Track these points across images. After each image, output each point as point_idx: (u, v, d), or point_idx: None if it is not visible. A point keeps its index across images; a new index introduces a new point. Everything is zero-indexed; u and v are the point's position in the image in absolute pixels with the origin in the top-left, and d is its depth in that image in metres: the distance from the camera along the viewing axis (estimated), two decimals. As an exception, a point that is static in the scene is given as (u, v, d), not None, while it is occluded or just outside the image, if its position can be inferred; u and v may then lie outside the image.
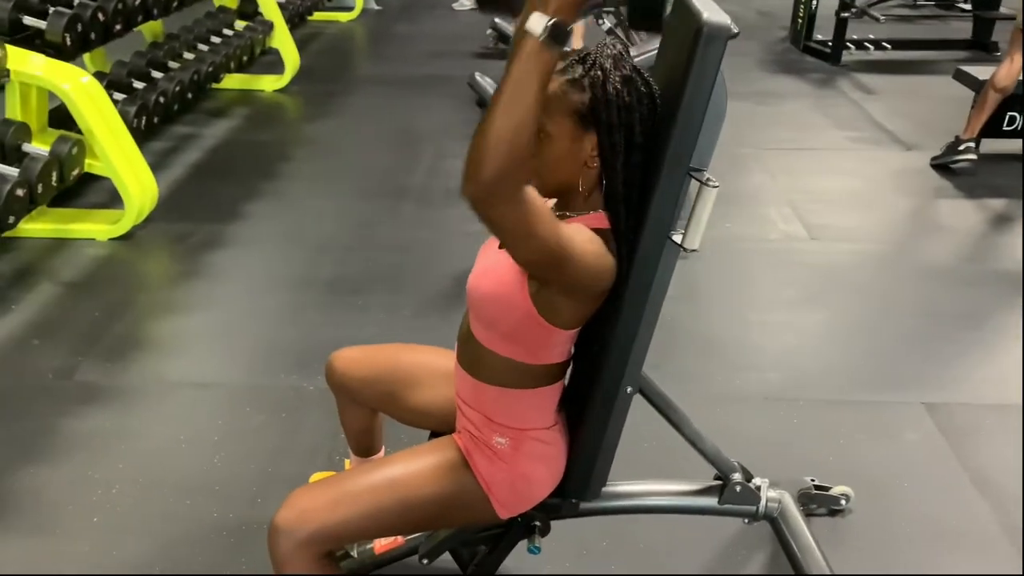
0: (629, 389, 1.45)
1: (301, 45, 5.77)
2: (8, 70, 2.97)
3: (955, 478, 2.16)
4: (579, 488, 1.52)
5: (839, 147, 4.44)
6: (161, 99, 3.69)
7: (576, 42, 5.07)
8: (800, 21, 6.15)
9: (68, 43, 3.29)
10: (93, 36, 3.46)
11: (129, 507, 2.02)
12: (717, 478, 1.68)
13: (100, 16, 3.48)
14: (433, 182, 3.88)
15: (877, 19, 5.68)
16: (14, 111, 3.15)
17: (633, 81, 1.24)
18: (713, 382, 2.54)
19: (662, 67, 1.35)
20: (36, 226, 3.30)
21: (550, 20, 1.06)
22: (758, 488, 1.65)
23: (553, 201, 1.36)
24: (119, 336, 2.71)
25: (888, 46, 5.82)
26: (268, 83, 5.17)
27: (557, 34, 1.06)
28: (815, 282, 3.12)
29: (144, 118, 3.53)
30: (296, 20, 5.63)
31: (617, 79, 1.23)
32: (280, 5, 5.32)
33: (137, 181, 3.28)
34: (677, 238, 1.30)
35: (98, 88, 3.20)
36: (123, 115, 3.34)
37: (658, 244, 1.27)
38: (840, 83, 5.51)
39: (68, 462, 2.16)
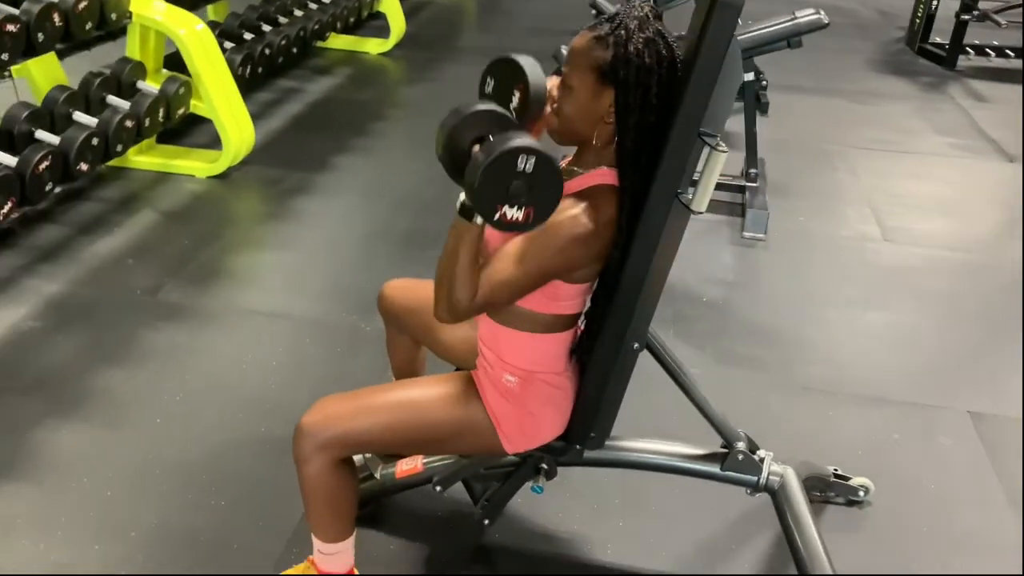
0: (636, 346, 1.52)
1: (410, 13, 5.94)
2: (130, 12, 3.23)
3: (987, 488, 2.13)
4: (582, 436, 1.60)
5: (935, 152, 4.29)
6: (267, 51, 3.91)
7: None
8: (918, 22, 5.91)
9: (187, -9, 3.54)
10: (210, -13, 3.71)
11: (188, 415, 2.22)
12: (723, 447, 1.73)
13: (219, -31, 3.72)
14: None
15: (999, 23, 5.41)
16: (133, 51, 3.42)
17: (655, 43, 1.30)
18: (755, 367, 2.55)
19: (688, 34, 1.40)
20: (145, 159, 3.58)
21: (460, 200, 1.30)
22: (761, 460, 1.69)
23: (566, 160, 1.45)
24: (203, 264, 2.93)
25: (1012, 54, 5.54)
26: (373, 46, 5.38)
27: (465, 212, 1.30)
28: (880, 283, 3.07)
29: (249, 67, 3.76)
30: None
31: (640, 40, 1.29)
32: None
33: (236, 125, 3.50)
34: (686, 201, 1.35)
35: (209, 36, 3.44)
36: (229, 63, 3.57)
37: (663, 203, 1.33)
38: (951, 88, 5.29)
39: (142, 369, 2.38)
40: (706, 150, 1.32)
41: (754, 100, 3.32)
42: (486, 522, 1.80)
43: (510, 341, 1.49)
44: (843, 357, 2.63)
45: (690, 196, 1.37)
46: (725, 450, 1.71)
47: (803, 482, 1.92)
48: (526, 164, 1.23)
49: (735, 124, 3.54)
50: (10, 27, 2.59)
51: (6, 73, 3.23)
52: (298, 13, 4.44)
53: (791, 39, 3.20)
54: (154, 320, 2.61)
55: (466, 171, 1.28)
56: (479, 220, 1.29)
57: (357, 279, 2.90)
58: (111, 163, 3.52)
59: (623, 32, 1.31)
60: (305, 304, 2.76)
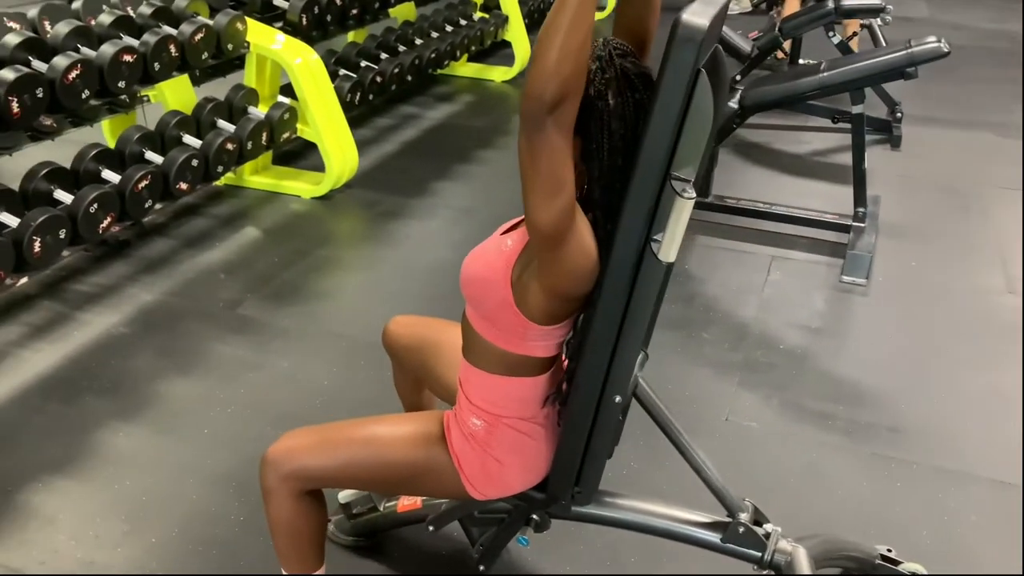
0: (617, 399, 1.42)
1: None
2: (247, 43, 3.45)
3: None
4: (564, 489, 1.51)
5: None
6: (378, 79, 4.06)
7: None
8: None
9: (304, 23, 3.74)
10: (329, 19, 3.90)
11: (232, 427, 2.31)
12: (729, 515, 1.58)
13: (337, 2, 3.91)
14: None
15: None
16: (250, 78, 3.64)
17: (618, 82, 1.21)
18: (823, 425, 2.34)
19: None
20: (258, 179, 3.80)
21: None
22: (766, 536, 1.53)
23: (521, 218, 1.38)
24: (285, 281, 3.06)
25: None
26: (498, 74, 5.45)
27: None
28: (995, 342, 2.73)
29: (358, 94, 3.91)
30: (535, 16, 5.84)
31: (601, 81, 1.21)
32: (520, 0, 5.57)
33: (339, 149, 3.65)
34: (656, 248, 1.25)
35: (320, 66, 3.61)
36: (338, 90, 3.74)
37: (629, 252, 1.23)
38: None
39: (203, 380, 2.51)
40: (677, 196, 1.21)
41: (861, 132, 3.06)
42: (481, 568, 1.75)
43: (478, 382, 1.43)
44: (932, 423, 2.35)
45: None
46: (729, 520, 1.56)
47: (838, 561, 1.73)
48: None
49: (847, 158, 3.29)
50: (127, 57, 2.83)
51: (144, 98, 3.54)
52: (419, 42, 4.57)
53: (905, 70, 2.94)
54: (227, 333, 2.75)
55: None
56: None
57: (424, 306, 2.92)
58: (229, 181, 3.78)
59: (596, 72, 1.23)
60: (369, 325, 2.78)
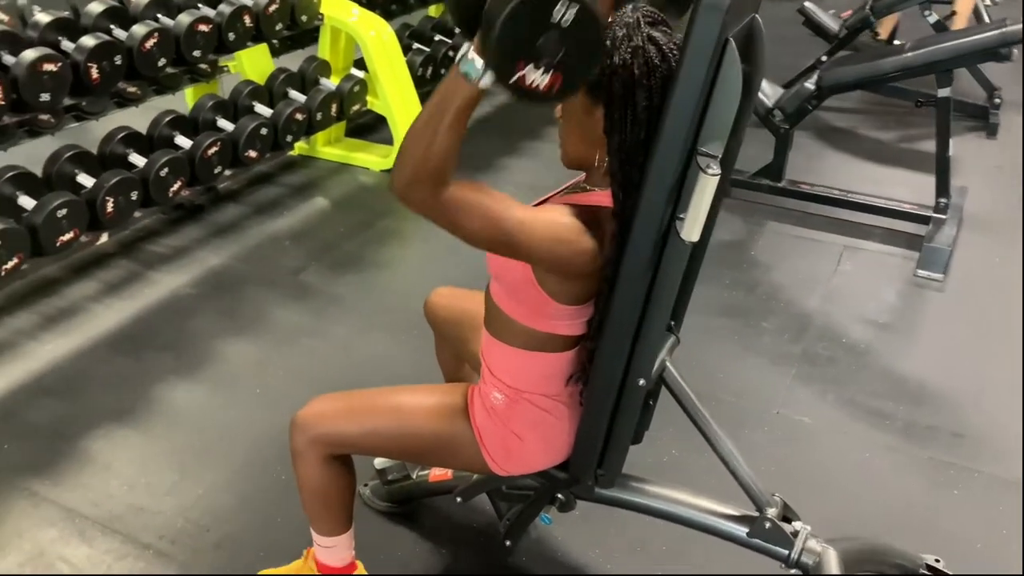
0: (641, 382, 1.39)
1: None
2: (322, 14, 3.50)
3: None
4: (587, 470, 1.49)
5: None
6: (451, 53, 4.06)
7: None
8: None
9: (379, -4, 3.78)
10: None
11: (286, 390, 2.36)
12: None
13: (413, -26, 3.93)
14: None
15: None
16: (324, 50, 3.70)
17: (644, 52, 1.17)
18: (879, 424, 2.24)
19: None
20: (331, 150, 3.86)
21: (485, 71, 1.04)
22: (794, 533, 1.47)
23: (581, 177, 1.35)
24: (347, 251, 3.12)
25: None
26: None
27: (469, 67, 1.06)
28: (1080, 346, 2.56)
29: (430, 68, 3.93)
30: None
31: (627, 50, 1.17)
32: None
33: (408, 119, 3.67)
34: (679, 227, 1.21)
35: (392, 39, 3.63)
36: (410, 64, 3.75)
37: (650, 230, 1.20)
38: None
39: (260, 342, 2.58)
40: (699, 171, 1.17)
41: (946, 118, 2.89)
42: (507, 543, 1.75)
43: (500, 356, 1.43)
44: (998, 431, 2.23)
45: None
46: (757, 514, 1.51)
47: (878, 567, 1.66)
48: (565, 13, 0.99)
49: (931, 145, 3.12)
50: (202, 27, 2.91)
51: (224, 68, 3.64)
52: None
53: (999, 50, 2.75)
54: (287, 299, 2.82)
55: (485, 11, 1.03)
56: (486, 80, 1.05)
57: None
58: (302, 152, 3.86)
59: (608, 42, 1.19)
60: (424, 297, 2.82)
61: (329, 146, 3.87)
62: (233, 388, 2.39)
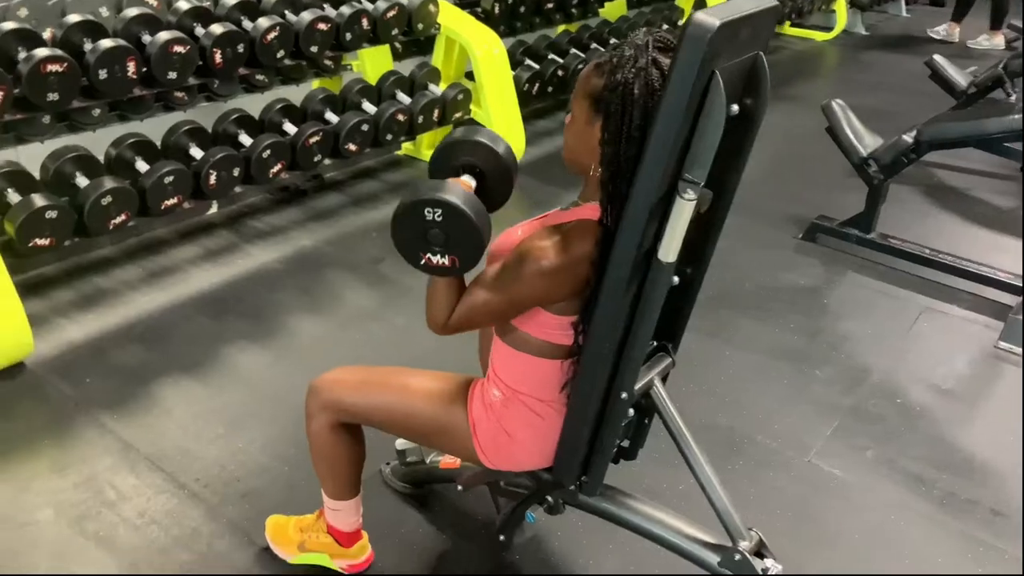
0: (624, 395, 1.44)
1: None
2: (438, 24, 3.69)
3: None
4: (570, 476, 1.55)
5: None
6: (559, 73, 4.17)
7: None
8: None
9: (497, 12, 3.94)
10: (523, 10, 4.07)
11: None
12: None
13: (533, -7, 4.07)
14: (791, 208, 3.76)
15: None
16: (437, 58, 3.89)
17: (647, 73, 1.23)
18: (917, 490, 2.16)
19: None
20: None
21: None
22: (764, 571, 1.47)
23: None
24: (426, 249, 3.27)
25: None
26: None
27: None
28: None
29: (536, 85, 4.05)
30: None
31: (631, 69, 1.24)
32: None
33: (507, 136, 3.80)
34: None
35: (503, 54, 3.78)
36: (516, 79, 3.89)
37: (631, 244, 1.24)
38: None
39: (329, 321, 2.76)
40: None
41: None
42: (501, 537, 1.83)
43: (503, 356, 1.51)
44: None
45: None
46: (730, 545, 1.52)
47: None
48: (434, 215, 1.29)
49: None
50: (321, 25, 3.15)
51: (347, 65, 3.90)
52: (613, 41, 4.63)
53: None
54: (362, 284, 2.99)
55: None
56: None
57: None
58: (408, 152, 4.06)
59: (616, 60, 1.26)
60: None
61: (432, 149, 4.05)
62: (293, 358, 2.57)
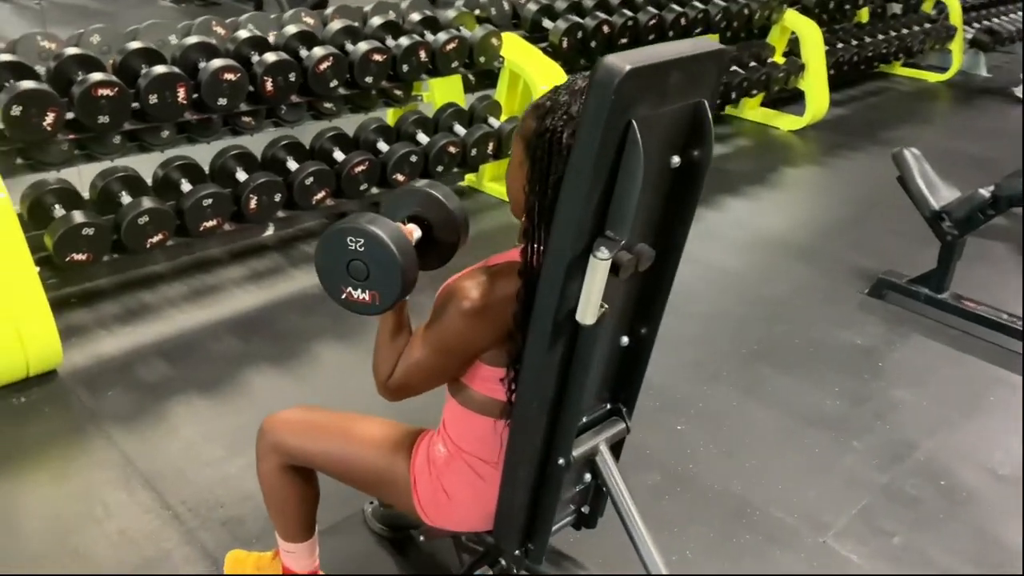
0: (560, 462, 1.33)
1: (863, 95, 5.61)
2: (503, 57, 3.68)
3: None
4: (507, 539, 1.45)
5: None
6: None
7: None
8: None
9: (565, 46, 3.89)
10: (594, 45, 4.00)
11: (360, 398, 2.46)
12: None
13: (605, 29, 3.99)
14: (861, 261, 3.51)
15: None
16: (501, 92, 3.87)
17: (577, 122, 1.13)
18: None
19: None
20: (497, 187, 4.02)
21: None
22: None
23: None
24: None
25: None
26: (785, 122, 5.16)
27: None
28: None
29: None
30: (844, 67, 5.44)
31: (561, 116, 1.15)
32: (829, 51, 5.20)
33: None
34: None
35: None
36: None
37: (547, 301, 1.15)
38: None
39: (355, 350, 2.75)
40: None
41: None
42: (461, 594, 1.74)
43: (451, 412, 1.44)
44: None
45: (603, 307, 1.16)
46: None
47: None
48: (356, 244, 1.26)
49: None
50: (377, 56, 3.18)
51: (418, 97, 3.93)
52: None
53: None
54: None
55: None
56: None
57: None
58: (471, 183, 4.04)
59: (550, 104, 1.18)
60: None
61: (495, 181, 4.03)
62: (311, 384, 2.57)
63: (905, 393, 2.62)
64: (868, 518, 2.12)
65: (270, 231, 3.51)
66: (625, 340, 1.32)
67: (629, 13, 4.12)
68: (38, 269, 2.42)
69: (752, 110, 5.29)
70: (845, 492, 2.21)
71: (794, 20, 5.01)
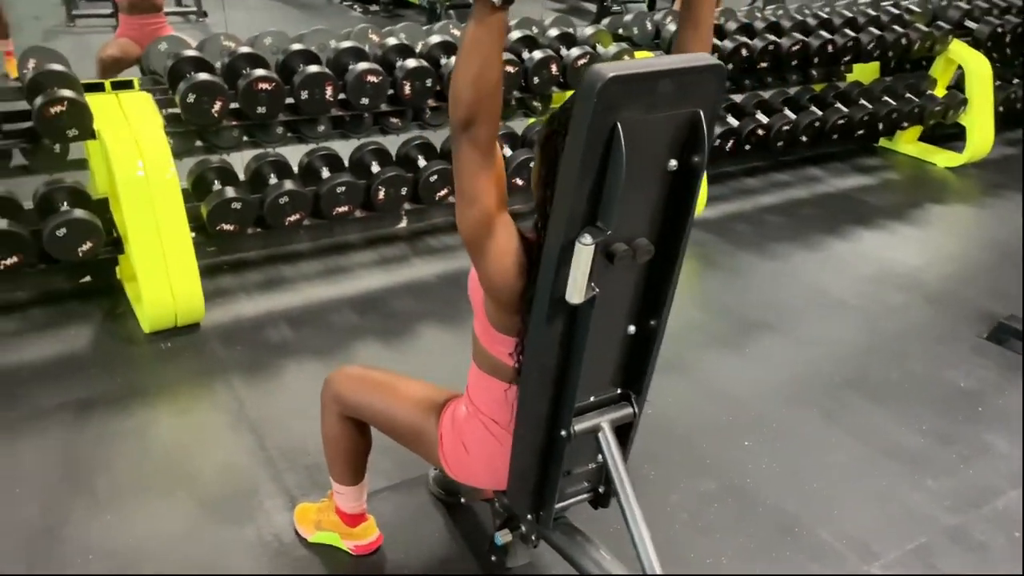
0: (563, 433, 1.46)
1: None
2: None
3: None
4: (517, 502, 1.60)
5: None
6: (759, 131, 4.06)
7: None
8: None
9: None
10: (765, 65, 4.06)
11: (449, 377, 2.71)
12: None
13: (743, 52, 4.02)
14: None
15: None
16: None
17: None
18: None
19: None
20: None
21: None
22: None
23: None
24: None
25: None
26: (943, 158, 4.91)
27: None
28: None
29: (731, 142, 3.99)
30: (1016, 105, 5.08)
31: (564, 120, 1.29)
32: (999, 86, 4.91)
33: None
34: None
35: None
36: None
37: (546, 278, 1.29)
38: None
39: (458, 333, 2.96)
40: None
41: None
42: (493, 558, 1.89)
43: (472, 375, 1.61)
44: None
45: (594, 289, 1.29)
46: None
47: None
48: None
49: None
50: (508, 68, 3.40)
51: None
52: (840, 107, 4.39)
53: None
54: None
55: None
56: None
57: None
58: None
59: (562, 111, 1.32)
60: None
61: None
62: (411, 359, 2.81)
63: (1000, 440, 2.50)
64: (923, 555, 2.07)
65: (403, 223, 3.82)
66: (632, 329, 1.43)
67: (772, 37, 4.12)
68: (193, 235, 2.82)
69: (908, 144, 5.07)
70: (905, 526, 2.16)
71: (960, 52, 4.77)
